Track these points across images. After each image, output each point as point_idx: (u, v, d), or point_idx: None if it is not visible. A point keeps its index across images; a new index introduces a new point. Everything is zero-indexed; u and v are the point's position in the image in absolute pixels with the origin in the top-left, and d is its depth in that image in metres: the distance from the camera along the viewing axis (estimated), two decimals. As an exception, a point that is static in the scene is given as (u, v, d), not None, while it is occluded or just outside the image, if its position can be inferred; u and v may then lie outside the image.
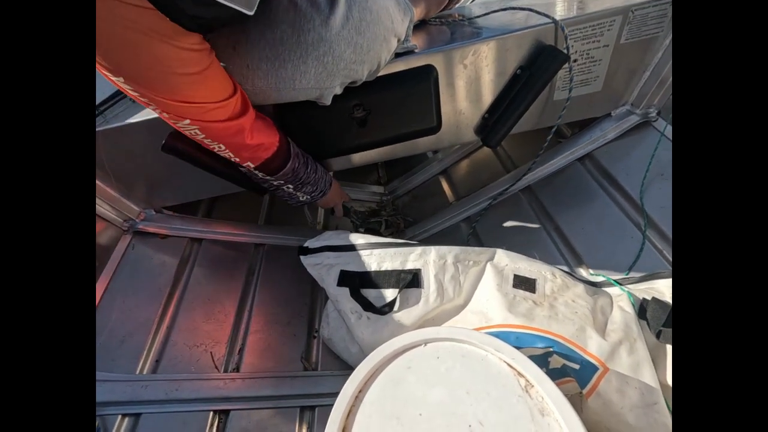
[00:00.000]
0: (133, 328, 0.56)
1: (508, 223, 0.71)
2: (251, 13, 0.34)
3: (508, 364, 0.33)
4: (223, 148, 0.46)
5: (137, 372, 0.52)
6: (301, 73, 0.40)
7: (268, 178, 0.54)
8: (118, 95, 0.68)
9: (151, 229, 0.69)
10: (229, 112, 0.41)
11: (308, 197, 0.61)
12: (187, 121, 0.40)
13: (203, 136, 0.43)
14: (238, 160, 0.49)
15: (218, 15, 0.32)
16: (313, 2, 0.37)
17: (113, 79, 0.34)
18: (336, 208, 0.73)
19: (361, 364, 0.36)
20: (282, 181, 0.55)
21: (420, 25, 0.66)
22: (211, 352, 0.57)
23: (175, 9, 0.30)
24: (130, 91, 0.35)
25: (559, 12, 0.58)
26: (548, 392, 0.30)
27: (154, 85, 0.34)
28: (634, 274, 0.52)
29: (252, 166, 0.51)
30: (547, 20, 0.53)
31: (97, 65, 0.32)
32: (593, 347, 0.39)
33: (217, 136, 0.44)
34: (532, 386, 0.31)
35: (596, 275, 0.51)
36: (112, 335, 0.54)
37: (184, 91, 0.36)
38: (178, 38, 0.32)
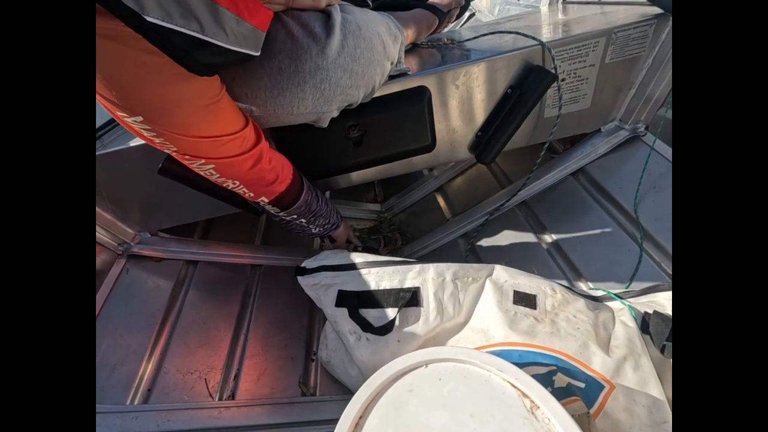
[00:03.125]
0: (125, 355, 0.54)
1: (506, 239, 0.72)
2: (257, 54, 0.35)
3: (512, 385, 0.32)
4: (238, 184, 0.45)
5: (128, 402, 0.50)
6: (299, 100, 0.41)
7: (280, 213, 0.54)
8: (114, 121, 0.69)
9: (146, 253, 0.68)
10: (243, 144, 0.41)
11: (321, 230, 0.60)
12: (202, 161, 0.39)
13: (218, 175, 0.42)
14: (252, 195, 0.48)
15: (229, 59, 0.33)
16: (309, 33, 0.39)
17: (129, 121, 0.33)
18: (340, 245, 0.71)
19: (360, 389, 0.35)
20: (295, 215, 0.55)
21: (412, 49, 0.68)
22: (205, 379, 0.55)
23: (189, 60, 0.30)
24: (145, 133, 0.35)
25: (546, 35, 0.60)
26: (555, 413, 0.29)
27: (170, 121, 0.34)
28: (633, 288, 0.52)
29: (266, 200, 0.50)
30: (535, 42, 0.56)
31: (113, 106, 0.32)
32: (597, 364, 0.38)
33: (234, 173, 0.43)
34: (538, 407, 0.30)
35: (596, 289, 0.51)
36: (102, 364, 0.52)
37: (199, 124, 0.36)
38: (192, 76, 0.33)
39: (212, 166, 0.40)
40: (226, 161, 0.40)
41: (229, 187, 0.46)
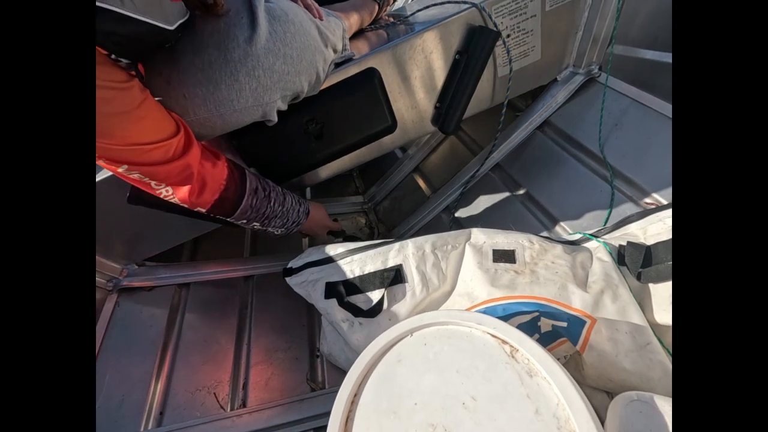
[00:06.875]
0: (131, 385, 0.55)
1: (485, 203, 0.72)
2: (172, 28, 0.34)
3: (492, 335, 0.33)
4: (171, 192, 0.44)
5: (141, 429, 0.51)
6: (237, 92, 0.40)
7: (229, 220, 0.52)
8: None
9: (137, 284, 0.69)
10: (171, 152, 0.40)
11: (282, 230, 0.58)
12: (126, 166, 0.38)
13: (148, 179, 0.41)
14: (186, 205, 0.47)
15: (136, 32, 0.31)
16: (234, 23, 0.39)
17: None
18: (318, 238, 0.71)
19: (351, 368, 0.36)
20: (244, 220, 0.53)
21: (358, 34, 0.68)
22: (214, 393, 0.56)
23: None
24: None
25: None
26: (532, 352, 0.30)
27: None
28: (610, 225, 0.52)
29: (203, 210, 0.48)
30: (469, 5, 0.56)
31: None
32: (577, 302, 0.39)
33: (164, 179, 0.42)
34: (517, 350, 0.31)
35: (574, 234, 0.52)
36: (110, 398, 0.53)
37: (113, 132, 0.35)
38: (99, 74, 0.31)
39: (137, 172, 0.39)
40: (151, 168, 0.39)
41: (164, 196, 0.44)
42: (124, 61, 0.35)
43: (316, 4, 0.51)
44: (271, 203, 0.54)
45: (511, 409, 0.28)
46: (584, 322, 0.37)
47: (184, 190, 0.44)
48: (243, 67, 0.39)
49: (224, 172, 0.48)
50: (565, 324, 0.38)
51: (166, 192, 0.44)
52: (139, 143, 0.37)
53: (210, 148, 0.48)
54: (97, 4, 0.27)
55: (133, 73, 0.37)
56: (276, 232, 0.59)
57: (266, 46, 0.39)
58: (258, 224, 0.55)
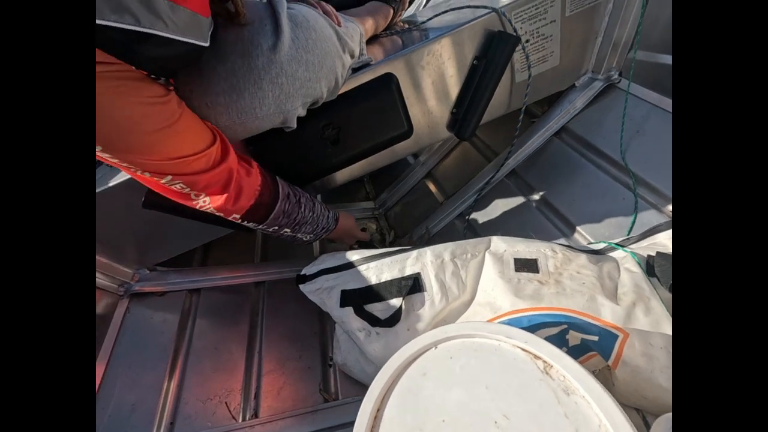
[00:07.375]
0: (142, 393, 0.54)
1: (501, 211, 0.71)
2: (206, 44, 0.34)
3: (523, 349, 0.31)
4: (207, 202, 0.44)
5: (152, 439, 0.50)
6: (260, 100, 0.40)
7: (259, 227, 0.52)
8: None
9: (148, 289, 0.68)
10: (211, 160, 0.40)
11: (311, 236, 0.59)
12: (170, 177, 0.39)
13: (189, 189, 0.41)
14: (222, 213, 0.47)
15: (177, 52, 0.32)
16: (258, 30, 0.38)
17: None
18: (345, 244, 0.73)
19: (374, 381, 0.34)
20: (276, 227, 0.53)
21: (373, 39, 0.68)
22: (226, 403, 0.55)
23: (135, 55, 0.30)
24: (109, 160, 0.35)
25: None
26: (568, 369, 0.28)
27: (128, 148, 0.34)
28: (635, 234, 0.51)
29: (238, 217, 0.48)
30: (489, 10, 0.55)
31: None
32: (607, 315, 0.37)
33: (205, 187, 0.42)
34: (551, 366, 0.29)
35: (597, 243, 0.50)
36: (120, 405, 0.52)
37: (158, 147, 0.35)
38: (140, 90, 0.32)
39: (180, 182, 0.39)
40: (194, 177, 0.40)
41: (199, 207, 0.44)
42: (162, 79, 0.36)
43: (335, 10, 0.51)
44: (302, 209, 0.55)
45: (548, 429, 0.27)
46: (616, 336, 0.36)
47: (221, 199, 0.44)
48: (267, 75, 0.39)
49: (258, 178, 0.48)
50: (596, 338, 0.36)
51: (203, 203, 0.44)
52: (182, 156, 0.37)
53: (242, 155, 0.48)
54: (143, 29, 0.27)
55: (171, 88, 0.37)
56: (305, 239, 0.59)
57: (289, 53, 0.39)
58: (289, 230, 0.55)
